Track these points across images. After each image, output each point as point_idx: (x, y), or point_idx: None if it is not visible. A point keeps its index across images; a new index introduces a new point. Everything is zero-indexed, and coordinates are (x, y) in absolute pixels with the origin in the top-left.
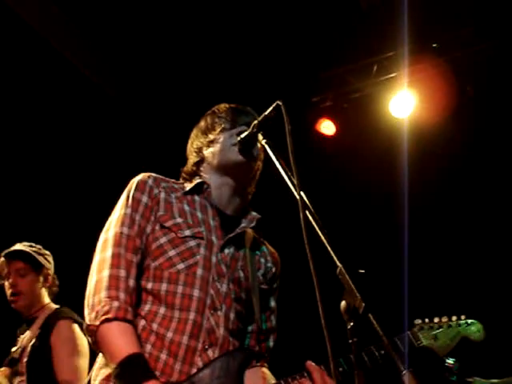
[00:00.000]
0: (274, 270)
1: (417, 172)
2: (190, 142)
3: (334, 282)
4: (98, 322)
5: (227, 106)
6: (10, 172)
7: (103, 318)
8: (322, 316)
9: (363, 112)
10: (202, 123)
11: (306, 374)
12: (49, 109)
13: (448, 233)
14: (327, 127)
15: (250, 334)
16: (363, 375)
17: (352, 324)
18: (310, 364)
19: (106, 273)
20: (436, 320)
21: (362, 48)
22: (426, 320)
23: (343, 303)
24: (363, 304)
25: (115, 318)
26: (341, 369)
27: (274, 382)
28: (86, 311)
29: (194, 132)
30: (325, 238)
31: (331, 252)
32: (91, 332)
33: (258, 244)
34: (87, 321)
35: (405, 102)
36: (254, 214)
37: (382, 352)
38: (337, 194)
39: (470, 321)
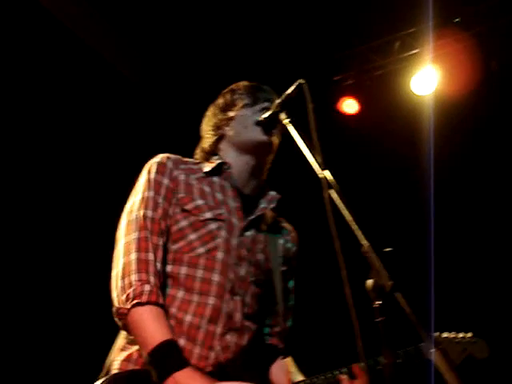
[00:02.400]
0: (293, 249)
1: (441, 148)
2: (205, 120)
3: (360, 261)
4: (129, 306)
5: (246, 83)
6: (38, 157)
7: (135, 301)
8: (349, 296)
9: (386, 89)
10: (221, 100)
11: (344, 371)
12: (71, 96)
13: (473, 214)
14: (350, 106)
15: (270, 315)
16: (390, 353)
17: (379, 303)
18: (357, 368)
19: (134, 256)
20: (445, 335)
21: (384, 24)
22: (436, 334)
23: (370, 281)
24: (390, 282)
25: (148, 302)
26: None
27: (296, 372)
28: (115, 293)
29: (211, 110)
30: (350, 217)
31: (356, 230)
32: (121, 315)
33: (277, 224)
34: (116, 303)
35: (428, 79)
36: (272, 193)
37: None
38: (360, 172)
39: (475, 339)
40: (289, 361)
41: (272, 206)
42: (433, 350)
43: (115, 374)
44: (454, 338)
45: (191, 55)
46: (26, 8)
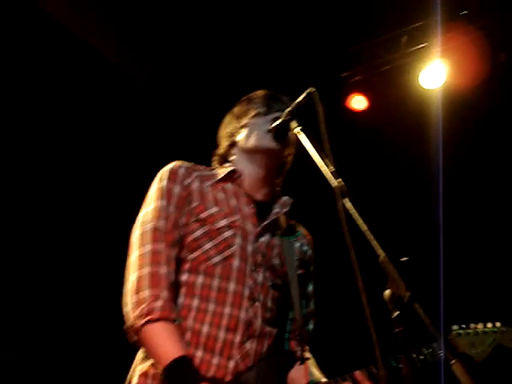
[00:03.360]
0: (309, 252)
1: (450, 142)
2: (222, 127)
3: (375, 271)
4: (142, 322)
5: (263, 92)
6: (46, 159)
7: (148, 318)
8: (366, 306)
9: (394, 85)
10: (236, 109)
11: (348, 379)
12: (80, 100)
13: (483, 209)
14: (358, 102)
15: (289, 320)
16: (408, 362)
17: (397, 313)
18: (359, 375)
19: (146, 270)
20: (472, 326)
21: (391, 19)
22: (463, 326)
23: (387, 292)
24: (408, 293)
25: (160, 319)
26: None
27: (318, 373)
28: (126, 309)
29: (227, 118)
30: (365, 227)
31: (372, 240)
32: (134, 331)
33: (292, 228)
34: (129, 320)
35: (436, 73)
36: (285, 198)
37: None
38: (370, 168)
39: (504, 328)
40: (311, 362)
41: (285, 209)
42: (454, 362)
43: None
44: (482, 328)
45: (200, 56)
46: (31, 14)
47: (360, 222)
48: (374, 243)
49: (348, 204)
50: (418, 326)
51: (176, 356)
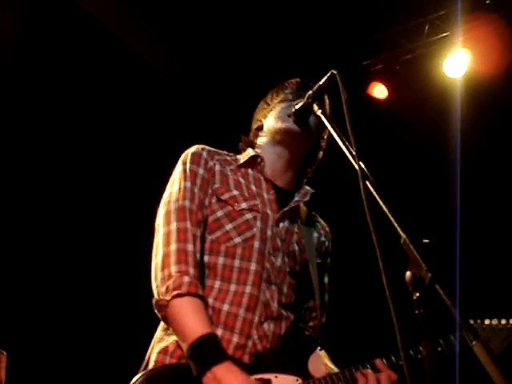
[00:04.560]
0: (327, 244)
1: (471, 132)
2: (255, 112)
3: (397, 253)
4: (169, 297)
5: (295, 80)
6: (71, 145)
7: (175, 292)
8: (387, 288)
9: (416, 74)
10: (268, 95)
11: (368, 366)
12: (99, 87)
13: (503, 200)
14: (379, 91)
15: (305, 307)
16: (430, 345)
17: (418, 295)
18: (380, 363)
19: (173, 247)
20: (487, 322)
21: (413, 8)
22: (478, 321)
23: (408, 274)
24: (429, 274)
25: (187, 294)
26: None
27: (331, 365)
28: (154, 285)
29: (261, 103)
30: (387, 208)
31: (394, 222)
32: (161, 307)
33: (312, 218)
34: (156, 295)
35: (458, 62)
36: (307, 188)
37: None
38: (391, 157)
39: None
40: (324, 354)
41: (306, 199)
42: (474, 343)
43: (150, 370)
44: (496, 324)
45: (219, 42)
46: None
47: (382, 204)
48: (396, 225)
49: (370, 186)
50: (438, 308)
51: (203, 333)
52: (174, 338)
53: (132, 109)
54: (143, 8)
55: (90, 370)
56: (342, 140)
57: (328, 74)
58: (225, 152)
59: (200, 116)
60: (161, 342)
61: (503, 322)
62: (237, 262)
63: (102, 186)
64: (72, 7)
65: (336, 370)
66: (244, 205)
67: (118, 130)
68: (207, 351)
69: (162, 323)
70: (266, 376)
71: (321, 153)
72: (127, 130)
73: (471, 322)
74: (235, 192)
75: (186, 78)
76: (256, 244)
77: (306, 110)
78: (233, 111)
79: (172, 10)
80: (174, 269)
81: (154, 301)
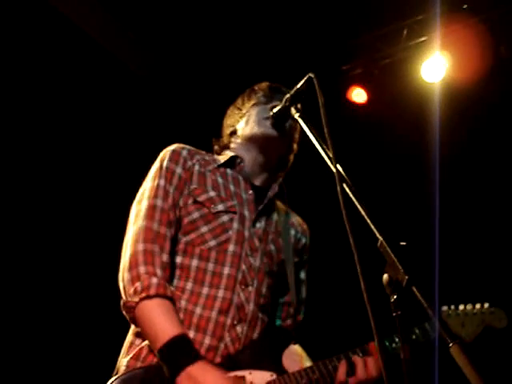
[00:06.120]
0: (304, 240)
1: (450, 136)
2: (224, 119)
3: (375, 256)
4: (137, 299)
5: (266, 84)
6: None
7: (144, 294)
8: (364, 290)
9: (394, 78)
10: (238, 100)
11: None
12: (77, 91)
13: (479, 200)
14: (358, 95)
15: (282, 306)
16: (409, 349)
17: (395, 297)
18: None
19: (141, 246)
20: (461, 308)
21: (391, 12)
22: (452, 307)
23: (385, 276)
24: (406, 276)
25: (156, 295)
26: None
27: (306, 358)
28: (121, 285)
29: (230, 109)
30: (364, 211)
31: (371, 225)
32: (129, 309)
33: (288, 215)
34: (124, 296)
35: (437, 66)
36: (277, 183)
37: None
38: (371, 161)
39: (492, 309)
40: (299, 348)
41: (276, 191)
42: (452, 345)
43: (123, 374)
44: (471, 309)
45: (198, 46)
46: (33, 5)
47: (359, 206)
48: (373, 228)
49: (347, 189)
50: (415, 309)
51: (174, 334)
52: (145, 342)
53: (109, 113)
54: (119, 10)
55: (62, 373)
56: (319, 143)
57: (305, 78)
58: (204, 152)
59: (177, 119)
60: (132, 347)
61: (477, 306)
62: (210, 266)
63: (83, 188)
64: (52, 13)
65: (310, 363)
66: (221, 206)
67: (96, 134)
68: (180, 352)
69: (132, 327)
70: (239, 373)
71: (292, 156)
72: (105, 135)
73: (446, 307)
74: (212, 193)
75: (165, 82)
76: (231, 247)
77: (284, 113)
78: (211, 113)
79: (149, 14)
80: (141, 270)
81: (121, 302)
